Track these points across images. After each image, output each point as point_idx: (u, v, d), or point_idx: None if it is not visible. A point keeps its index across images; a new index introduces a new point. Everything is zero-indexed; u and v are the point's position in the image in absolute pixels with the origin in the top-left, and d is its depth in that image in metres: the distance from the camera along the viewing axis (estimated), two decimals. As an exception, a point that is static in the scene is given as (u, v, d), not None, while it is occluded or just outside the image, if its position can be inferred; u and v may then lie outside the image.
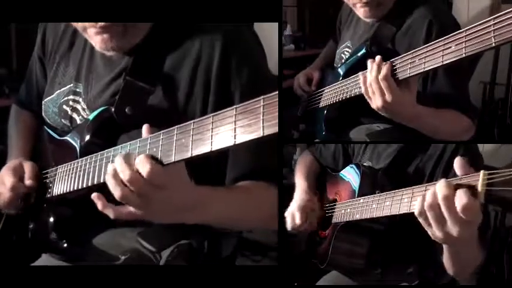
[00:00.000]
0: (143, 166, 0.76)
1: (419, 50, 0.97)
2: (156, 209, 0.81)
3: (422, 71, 0.97)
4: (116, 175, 0.79)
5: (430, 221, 0.79)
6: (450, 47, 0.88)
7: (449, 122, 1.19)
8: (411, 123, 1.15)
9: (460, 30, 0.86)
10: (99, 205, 0.84)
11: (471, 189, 0.74)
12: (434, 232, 0.80)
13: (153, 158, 0.78)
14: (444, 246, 0.92)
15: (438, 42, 0.92)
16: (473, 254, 0.95)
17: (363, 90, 1.10)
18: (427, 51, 0.95)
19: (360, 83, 1.10)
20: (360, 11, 1.34)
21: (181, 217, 0.88)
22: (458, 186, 0.75)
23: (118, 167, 0.79)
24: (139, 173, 0.77)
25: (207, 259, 1.09)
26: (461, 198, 0.73)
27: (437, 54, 0.92)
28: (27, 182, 1.09)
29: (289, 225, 1.30)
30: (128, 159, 0.79)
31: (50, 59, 1.18)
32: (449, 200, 0.75)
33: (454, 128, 1.21)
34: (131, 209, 0.82)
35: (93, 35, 0.98)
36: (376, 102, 1.07)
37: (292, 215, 1.30)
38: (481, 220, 0.76)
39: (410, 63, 1.00)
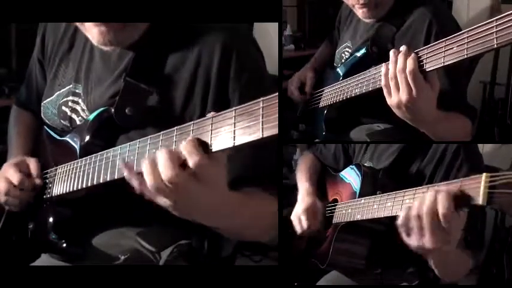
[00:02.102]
0: (191, 155, 0.70)
1: (420, 50, 0.97)
2: (187, 204, 0.75)
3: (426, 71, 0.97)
4: (154, 167, 0.72)
5: (413, 229, 0.83)
6: (452, 48, 0.88)
7: (458, 127, 1.18)
8: (426, 126, 1.08)
9: (462, 32, 0.86)
10: (126, 172, 0.77)
11: (463, 196, 0.78)
12: (411, 241, 0.84)
13: (200, 144, 0.71)
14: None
15: (440, 43, 0.92)
16: (458, 260, 0.96)
17: (382, 83, 1.01)
18: (428, 52, 0.95)
19: (381, 74, 1.01)
20: (359, 12, 1.34)
21: (200, 218, 0.83)
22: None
23: (161, 163, 0.72)
24: (183, 165, 0.71)
25: (207, 259, 1.09)
26: (441, 204, 0.78)
27: (439, 55, 0.92)
28: (36, 180, 1.09)
29: (298, 229, 1.30)
30: (173, 156, 0.72)
31: (49, 61, 1.18)
32: (433, 210, 0.79)
33: (460, 133, 1.20)
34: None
35: (91, 27, 0.96)
36: (400, 97, 0.97)
37: (299, 219, 1.30)
38: (458, 233, 0.81)
39: None
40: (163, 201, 0.76)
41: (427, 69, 0.95)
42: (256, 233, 0.99)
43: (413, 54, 0.96)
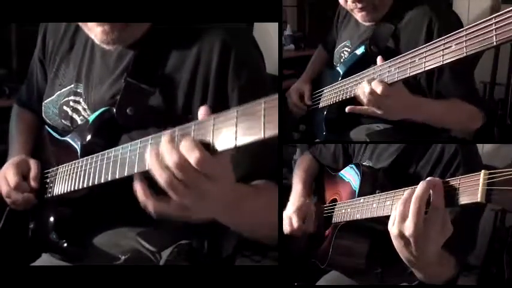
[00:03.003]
0: (190, 153, 0.69)
1: (419, 49, 0.97)
2: (203, 202, 0.74)
3: (422, 70, 0.97)
4: (160, 158, 0.72)
5: (395, 215, 0.83)
6: (451, 46, 0.88)
7: (453, 109, 1.19)
8: (411, 114, 1.15)
9: (461, 29, 0.86)
10: (140, 195, 0.75)
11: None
12: (392, 229, 0.84)
13: (201, 143, 0.71)
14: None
15: (439, 41, 0.91)
16: (440, 264, 0.95)
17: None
18: (427, 51, 0.95)
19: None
20: (358, 16, 1.34)
21: (215, 213, 0.82)
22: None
23: (164, 149, 0.71)
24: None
25: (207, 259, 1.09)
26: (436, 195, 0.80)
27: (438, 53, 0.92)
28: (33, 183, 1.10)
29: (286, 229, 1.31)
30: (175, 141, 0.72)
31: (50, 60, 1.18)
32: (422, 199, 0.80)
33: (461, 116, 1.21)
34: (173, 204, 0.74)
35: (94, 26, 0.97)
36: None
37: (289, 219, 1.30)
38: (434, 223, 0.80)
39: (411, 62, 1.00)
40: (181, 210, 0.75)
41: (426, 68, 0.95)
42: (270, 227, 0.98)
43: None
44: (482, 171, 0.74)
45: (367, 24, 1.37)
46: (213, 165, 0.71)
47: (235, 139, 0.68)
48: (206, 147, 0.71)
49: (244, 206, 0.84)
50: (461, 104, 1.21)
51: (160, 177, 0.72)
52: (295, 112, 1.57)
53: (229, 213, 0.83)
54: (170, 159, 0.70)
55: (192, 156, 0.69)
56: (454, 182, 0.79)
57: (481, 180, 0.73)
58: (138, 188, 0.76)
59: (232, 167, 0.75)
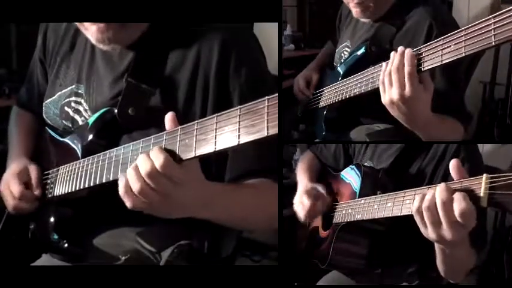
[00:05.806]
0: (157, 157, 0.77)
1: (418, 49, 0.97)
2: (173, 205, 0.82)
3: (422, 71, 0.97)
4: (136, 169, 0.79)
5: (426, 222, 0.81)
6: (449, 46, 0.88)
7: (448, 130, 1.18)
8: (418, 128, 1.08)
9: (459, 29, 0.86)
10: (121, 188, 0.82)
11: (469, 193, 0.75)
12: (428, 232, 0.82)
13: (168, 151, 0.77)
14: (436, 248, 0.93)
15: (437, 41, 0.91)
16: (465, 256, 0.95)
17: (380, 80, 1.03)
18: (426, 51, 0.95)
19: (381, 72, 1.03)
20: (353, 11, 1.34)
21: (193, 213, 0.88)
22: (457, 191, 0.76)
23: (139, 161, 0.79)
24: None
25: (207, 259, 1.09)
26: (459, 203, 0.74)
27: (437, 53, 0.92)
28: (36, 192, 1.10)
29: (300, 213, 1.30)
30: (148, 154, 0.79)
31: (50, 61, 1.18)
32: (447, 204, 0.77)
33: (449, 135, 1.20)
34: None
35: (89, 24, 0.97)
36: (392, 94, 0.99)
37: (301, 201, 1.30)
38: (474, 225, 0.77)
39: None
40: (153, 208, 0.82)
41: (424, 69, 0.95)
42: (261, 222, 1.02)
43: (410, 54, 0.96)
44: (484, 175, 0.73)
45: (365, 21, 1.37)
46: (177, 170, 0.77)
47: (238, 137, 0.69)
48: (172, 155, 0.77)
49: (220, 203, 0.90)
50: (454, 124, 1.19)
51: (134, 186, 0.79)
52: (300, 98, 1.57)
53: (206, 210, 0.89)
54: (142, 169, 0.77)
55: (158, 161, 0.76)
56: (456, 185, 0.78)
57: (483, 184, 0.73)
58: (121, 182, 0.82)
59: (200, 169, 0.81)
